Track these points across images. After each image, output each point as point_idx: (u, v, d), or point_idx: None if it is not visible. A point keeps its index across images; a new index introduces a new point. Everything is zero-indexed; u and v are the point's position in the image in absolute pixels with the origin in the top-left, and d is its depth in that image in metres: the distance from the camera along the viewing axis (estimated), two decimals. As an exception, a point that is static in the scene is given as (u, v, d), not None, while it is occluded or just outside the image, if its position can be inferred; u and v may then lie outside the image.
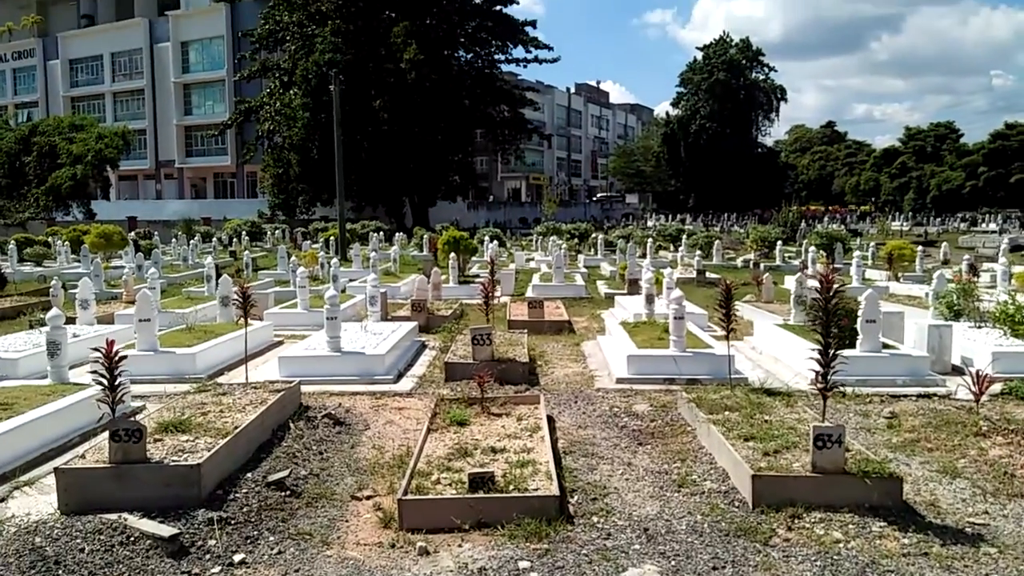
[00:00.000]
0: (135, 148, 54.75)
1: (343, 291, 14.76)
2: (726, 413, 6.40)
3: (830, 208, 67.40)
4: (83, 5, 72.46)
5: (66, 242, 23.44)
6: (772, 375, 8.56)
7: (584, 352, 10.50)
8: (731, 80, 69.05)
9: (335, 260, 16.84)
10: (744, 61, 70.97)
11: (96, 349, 5.49)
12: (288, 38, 45.34)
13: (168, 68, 63.41)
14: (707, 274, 19.48)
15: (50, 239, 25.41)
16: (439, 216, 47.90)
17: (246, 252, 24.86)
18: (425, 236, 28.13)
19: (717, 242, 25.34)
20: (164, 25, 63.80)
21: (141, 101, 65.86)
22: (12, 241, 23.01)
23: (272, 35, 46.10)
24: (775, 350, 9.75)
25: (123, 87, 66.79)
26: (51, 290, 13.03)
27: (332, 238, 27.71)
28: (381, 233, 31.32)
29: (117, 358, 5.41)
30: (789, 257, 23.66)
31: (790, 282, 16.75)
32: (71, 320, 10.94)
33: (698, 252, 22.82)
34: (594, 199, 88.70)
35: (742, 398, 6.82)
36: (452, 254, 17.45)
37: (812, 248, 20.74)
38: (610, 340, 10.44)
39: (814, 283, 5.57)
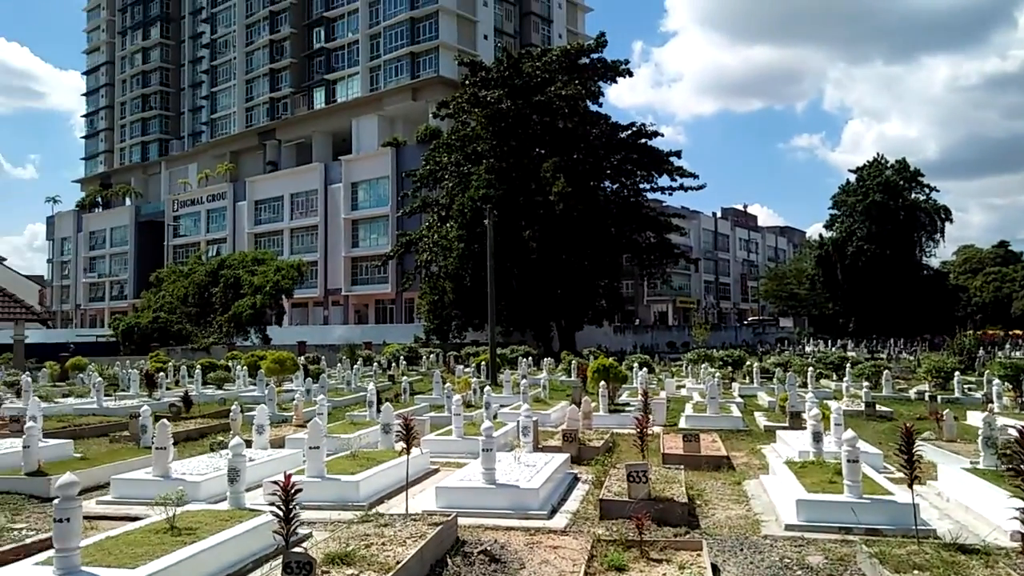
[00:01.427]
0: (307, 278, 59.53)
1: (495, 417, 14.96)
2: (915, 572, 5.81)
3: (1011, 333, 61.59)
4: (269, 153, 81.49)
5: (244, 367, 25.45)
6: (964, 527, 7.72)
7: (746, 492, 9.94)
8: (888, 201, 66.36)
9: (488, 388, 17.17)
10: (902, 182, 68.29)
11: (275, 482, 5.84)
12: (446, 176, 48.62)
13: (339, 206, 69.33)
14: (877, 407, 18.14)
15: (230, 363, 27.68)
16: (586, 340, 48.05)
17: (404, 376, 26.00)
18: (573, 361, 28.22)
19: (886, 371, 23.67)
20: (337, 168, 70.36)
21: (314, 236, 72.02)
22: (198, 366, 25.25)
23: (432, 174, 49.65)
24: (965, 498, 8.82)
25: (299, 224, 73.48)
26: (231, 414, 14.06)
27: (483, 363, 28.35)
28: (530, 358, 31.73)
29: (293, 491, 5.73)
30: (969, 389, 21.65)
31: (973, 417, 15.30)
32: (247, 444, 11.70)
33: (865, 383, 21.42)
34: (745, 323, 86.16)
35: (932, 555, 6.18)
36: (602, 382, 17.33)
37: (996, 380, 18.92)
38: (775, 481, 9.85)
39: (1007, 422, 5.10)
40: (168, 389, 22.55)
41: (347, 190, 69.20)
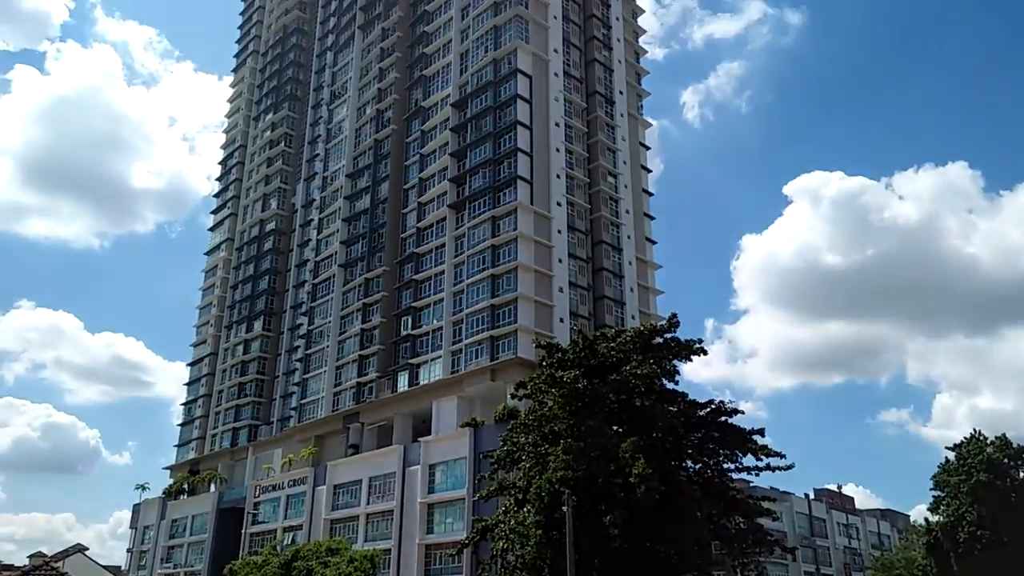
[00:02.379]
0: (380, 569, 57.53)
1: None
2: None
3: None
4: (351, 436, 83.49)
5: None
6: None
7: None
8: (995, 481, 61.73)
9: None
10: (1006, 460, 64.02)
11: None
12: (523, 457, 48.26)
13: (416, 489, 68.90)
14: None
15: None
16: (678, 644, 43.59)
17: None
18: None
19: None
20: (416, 450, 71.07)
21: (390, 521, 70.78)
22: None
23: (509, 455, 49.43)
24: None
25: (376, 508, 72.78)
26: None
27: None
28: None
29: None
30: None
31: None
32: None
33: None
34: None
35: None
36: None
37: None
38: None
39: None
40: None
41: (424, 472, 69.10)
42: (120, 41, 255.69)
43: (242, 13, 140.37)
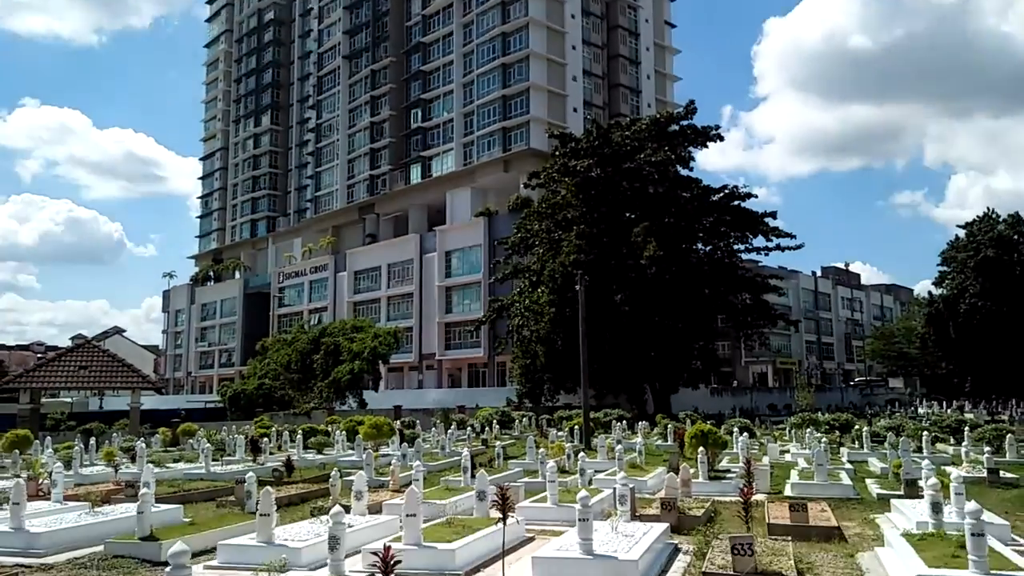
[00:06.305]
0: (402, 344, 60.85)
1: (589, 483, 14.71)
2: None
3: None
4: (368, 226, 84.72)
5: (343, 432, 26.09)
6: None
7: (860, 566, 9.37)
8: (1003, 256, 62.57)
9: (582, 454, 16.93)
10: (1016, 236, 64.46)
11: (374, 552, 5.94)
12: (537, 243, 49.18)
13: (434, 274, 71.07)
14: (1001, 473, 16.90)
15: (329, 428, 28.44)
16: (681, 402, 46.88)
17: (497, 441, 26.04)
18: (669, 426, 27.60)
19: (1009, 435, 22.04)
20: (432, 239, 72.40)
21: (410, 303, 73.87)
22: (299, 431, 26.03)
23: (523, 241, 50.38)
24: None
25: (395, 292, 75.63)
26: (331, 480, 14.38)
27: (576, 427, 28.05)
28: (624, 422, 31.17)
29: (392, 563, 5.82)
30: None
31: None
32: (346, 508, 11.92)
33: (986, 447, 19.98)
34: (852, 383, 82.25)
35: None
36: (701, 448, 16.82)
37: None
38: (891, 554, 9.26)
39: None
40: (271, 454, 23.25)
41: (441, 259, 70.93)
42: None
43: None
